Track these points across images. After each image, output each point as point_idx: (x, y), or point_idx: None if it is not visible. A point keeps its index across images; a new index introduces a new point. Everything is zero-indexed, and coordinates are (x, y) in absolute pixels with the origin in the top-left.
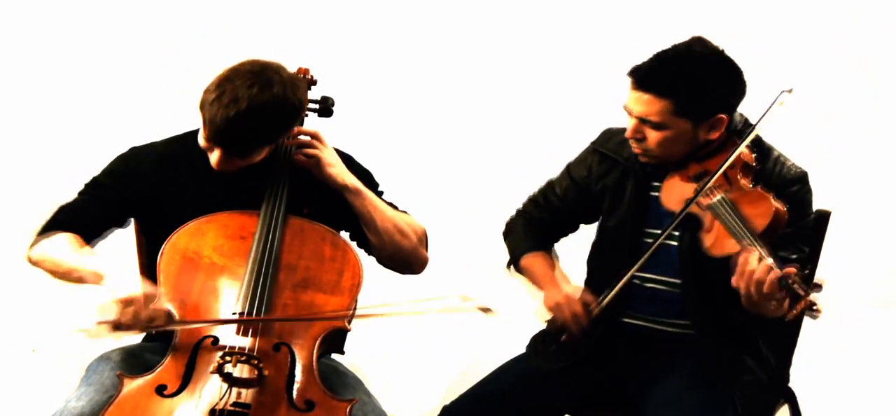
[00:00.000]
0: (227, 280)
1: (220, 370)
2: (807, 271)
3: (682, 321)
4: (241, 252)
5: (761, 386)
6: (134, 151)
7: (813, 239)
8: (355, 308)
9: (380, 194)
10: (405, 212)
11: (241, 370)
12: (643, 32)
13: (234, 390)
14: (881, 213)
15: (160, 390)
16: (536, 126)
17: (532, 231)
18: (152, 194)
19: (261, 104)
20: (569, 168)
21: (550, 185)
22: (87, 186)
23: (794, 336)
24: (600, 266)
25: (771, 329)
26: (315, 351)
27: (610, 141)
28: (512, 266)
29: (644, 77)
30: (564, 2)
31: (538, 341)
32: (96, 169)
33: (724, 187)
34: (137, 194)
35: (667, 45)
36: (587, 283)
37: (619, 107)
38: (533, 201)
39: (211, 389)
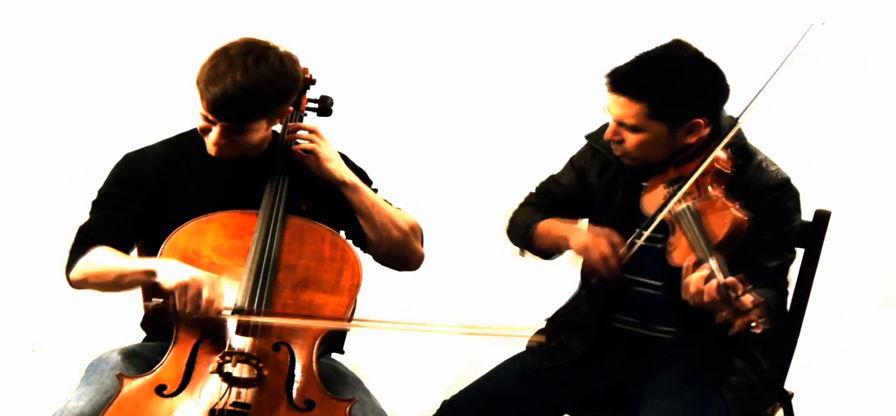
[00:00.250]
0: (227, 280)
1: (219, 369)
2: (751, 287)
3: (669, 328)
4: (241, 252)
5: (752, 387)
6: (131, 156)
7: (813, 239)
8: (354, 311)
9: (375, 191)
10: (400, 208)
11: (240, 370)
12: (643, 32)
13: (234, 390)
14: (881, 213)
15: (160, 390)
16: (536, 126)
17: (539, 211)
18: (156, 195)
19: (260, 72)
20: (571, 160)
21: (552, 178)
22: (97, 201)
23: (793, 337)
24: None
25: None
26: (315, 351)
27: (603, 136)
28: (523, 246)
29: (619, 80)
30: (563, 2)
31: (534, 341)
32: (96, 168)
33: (693, 195)
34: (146, 195)
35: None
36: (580, 288)
37: None
38: (535, 194)
39: (211, 389)
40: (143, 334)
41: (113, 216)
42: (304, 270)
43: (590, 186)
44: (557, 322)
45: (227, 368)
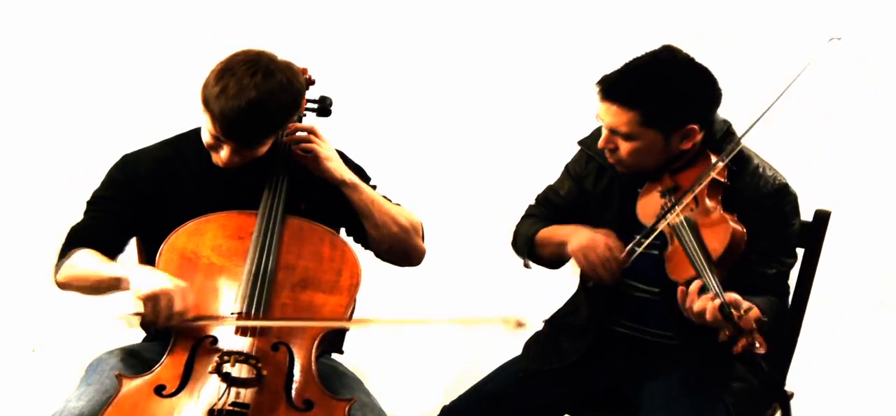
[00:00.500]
0: (226, 280)
1: (218, 370)
2: (751, 306)
3: (668, 332)
4: (240, 252)
5: (753, 392)
6: (129, 158)
7: (813, 239)
8: (353, 310)
9: (373, 189)
10: (399, 204)
11: (239, 370)
12: (643, 33)
13: (233, 390)
14: (881, 213)
15: (159, 390)
16: (536, 126)
17: (540, 221)
18: (153, 197)
19: (269, 90)
20: (567, 168)
21: (551, 188)
22: (91, 202)
23: (793, 338)
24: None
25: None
26: (314, 351)
27: (596, 142)
28: (528, 257)
29: (610, 88)
30: (562, 2)
31: (531, 343)
32: (96, 168)
33: (690, 206)
34: (141, 198)
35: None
36: (579, 290)
37: None
38: (535, 205)
39: (210, 389)
40: (142, 335)
41: (103, 219)
42: (303, 270)
43: (588, 193)
44: (556, 324)
45: (226, 368)
